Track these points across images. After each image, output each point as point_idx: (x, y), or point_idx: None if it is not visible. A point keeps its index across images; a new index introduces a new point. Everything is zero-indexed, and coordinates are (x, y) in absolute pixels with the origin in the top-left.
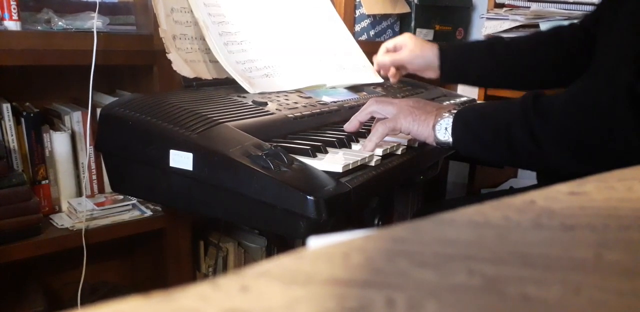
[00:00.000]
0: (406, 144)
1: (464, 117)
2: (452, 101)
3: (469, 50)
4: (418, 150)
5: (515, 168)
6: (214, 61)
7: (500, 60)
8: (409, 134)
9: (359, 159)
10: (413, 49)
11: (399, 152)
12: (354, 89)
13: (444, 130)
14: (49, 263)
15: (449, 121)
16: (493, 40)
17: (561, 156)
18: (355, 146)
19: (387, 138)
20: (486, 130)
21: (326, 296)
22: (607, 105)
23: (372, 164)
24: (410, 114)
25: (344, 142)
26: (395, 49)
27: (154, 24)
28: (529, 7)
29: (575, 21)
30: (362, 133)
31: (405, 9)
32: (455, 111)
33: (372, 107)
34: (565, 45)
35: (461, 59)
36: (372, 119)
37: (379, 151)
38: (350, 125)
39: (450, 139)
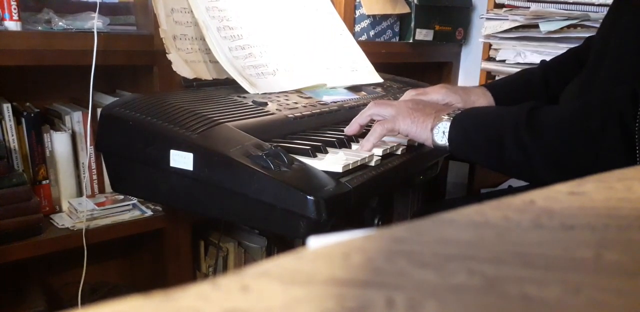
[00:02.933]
0: (406, 144)
1: (461, 123)
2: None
3: (522, 88)
4: (418, 151)
5: None
6: (214, 61)
7: (554, 92)
8: (407, 135)
9: (359, 159)
10: (465, 104)
11: (398, 152)
12: (354, 89)
13: (441, 134)
14: (50, 263)
15: (446, 125)
16: (542, 72)
17: (550, 173)
18: (355, 146)
19: (387, 138)
20: (481, 138)
21: (326, 296)
22: (598, 129)
23: (372, 164)
24: (409, 116)
25: (344, 142)
26: None
27: (154, 24)
28: (529, 8)
29: (575, 21)
30: (362, 133)
31: (405, 9)
32: (454, 114)
33: (371, 110)
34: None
35: (516, 99)
36: (373, 121)
37: (378, 151)
38: (351, 129)
39: (447, 143)
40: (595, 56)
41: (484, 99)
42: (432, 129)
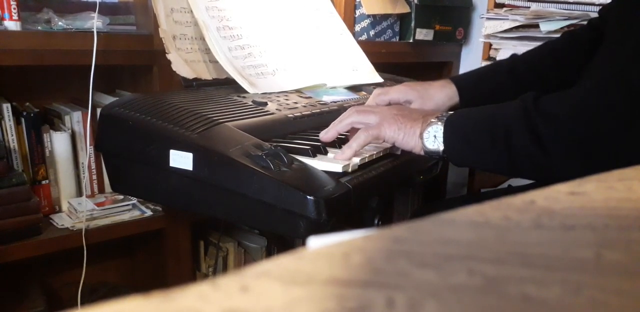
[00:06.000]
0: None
1: (456, 122)
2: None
3: (488, 80)
4: None
5: None
6: (214, 61)
7: (524, 85)
8: (393, 143)
9: (359, 159)
10: (423, 102)
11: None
12: (354, 89)
13: (432, 139)
14: (49, 263)
15: (438, 128)
16: (509, 64)
17: (569, 163)
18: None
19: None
20: (482, 136)
21: (326, 296)
22: (624, 104)
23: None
24: (395, 122)
25: (344, 143)
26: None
27: (154, 24)
28: (529, 7)
29: (576, 21)
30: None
31: (405, 9)
32: (444, 118)
33: (352, 118)
34: (585, 49)
35: (482, 92)
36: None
37: (356, 160)
38: (327, 135)
39: (441, 148)
40: (615, 43)
41: (443, 92)
42: (421, 135)
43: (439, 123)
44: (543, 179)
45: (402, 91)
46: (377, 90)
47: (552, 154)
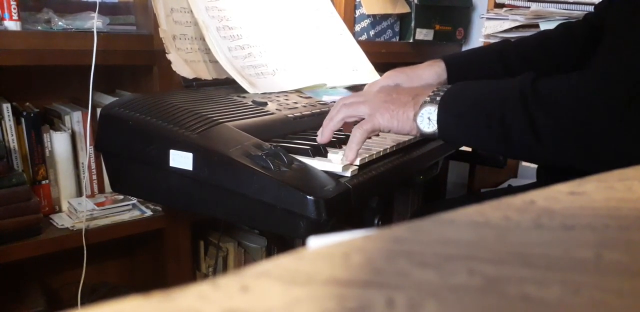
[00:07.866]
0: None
1: (450, 104)
2: None
3: (477, 60)
4: (418, 151)
5: (516, 168)
6: (214, 61)
7: (512, 68)
8: (389, 131)
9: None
10: (412, 83)
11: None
12: (354, 89)
13: (427, 121)
14: (49, 263)
15: (431, 110)
16: (500, 46)
17: (563, 151)
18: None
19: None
20: (477, 119)
21: (326, 296)
22: (625, 97)
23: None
24: (386, 111)
25: (344, 142)
26: None
27: (154, 24)
28: (529, 7)
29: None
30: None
31: (405, 9)
32: (437, 97)
33: (342, 113)
34: (579, 42)
35: (470, 70)
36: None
37: (356, 161)
38: (324, 138)
39: (436, 129)
40: (619, 36)
41: (431, 70)
42: (415, 118)
43: (432, 104)
44: (536, 163)
45: (390, 77)
46: (367, 86)
47: (546, 143)
